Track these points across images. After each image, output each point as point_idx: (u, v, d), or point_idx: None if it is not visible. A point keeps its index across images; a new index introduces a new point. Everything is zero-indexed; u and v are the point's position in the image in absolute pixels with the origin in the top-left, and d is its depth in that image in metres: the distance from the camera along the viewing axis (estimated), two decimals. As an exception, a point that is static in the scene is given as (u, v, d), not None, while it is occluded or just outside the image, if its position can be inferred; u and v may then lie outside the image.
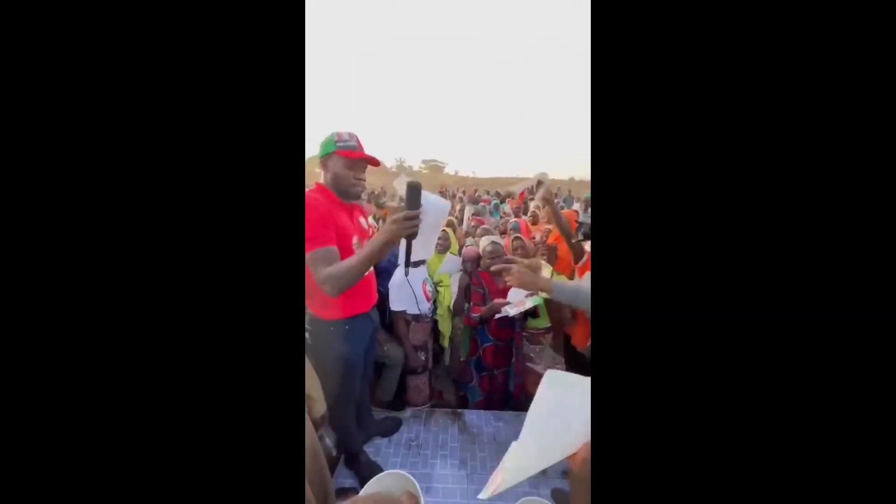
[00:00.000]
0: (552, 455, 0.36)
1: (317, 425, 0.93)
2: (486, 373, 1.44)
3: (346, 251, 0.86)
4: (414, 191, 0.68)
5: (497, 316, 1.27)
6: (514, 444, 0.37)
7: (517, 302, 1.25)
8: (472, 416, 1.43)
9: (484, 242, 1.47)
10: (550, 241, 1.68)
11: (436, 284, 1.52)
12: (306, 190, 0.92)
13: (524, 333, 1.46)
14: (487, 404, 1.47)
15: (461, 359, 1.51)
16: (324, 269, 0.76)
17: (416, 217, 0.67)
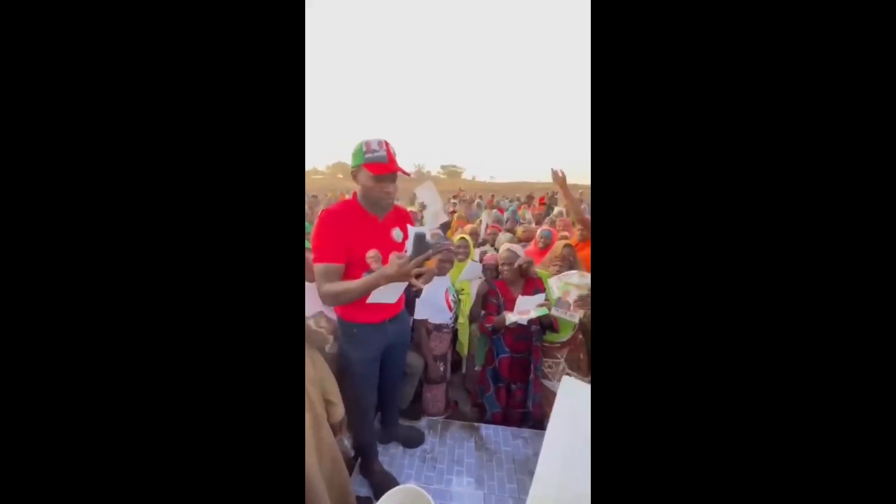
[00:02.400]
0: (575, 479, 0.33)
1: (335, 430, 0.93)
2: (502, 384, 1.39)
3: (358, 264, 0.88)
4: (420, 240, 0.74)
5: (508, 323, 1.23)
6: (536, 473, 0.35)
7: (522, 311, 1.20)
8: (490, 431, 1.37)
9: (501, 250, 1.43)
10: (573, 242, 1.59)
11: (457, 293, 1.49)
12: (333, 204, 0.97)
13: (543, 346, 1.38)
14: (504, 418, 1.41)
15: (476, 368, 1.47)
16: (323, 284, 0.84)
17: (423, 264, 0.73)
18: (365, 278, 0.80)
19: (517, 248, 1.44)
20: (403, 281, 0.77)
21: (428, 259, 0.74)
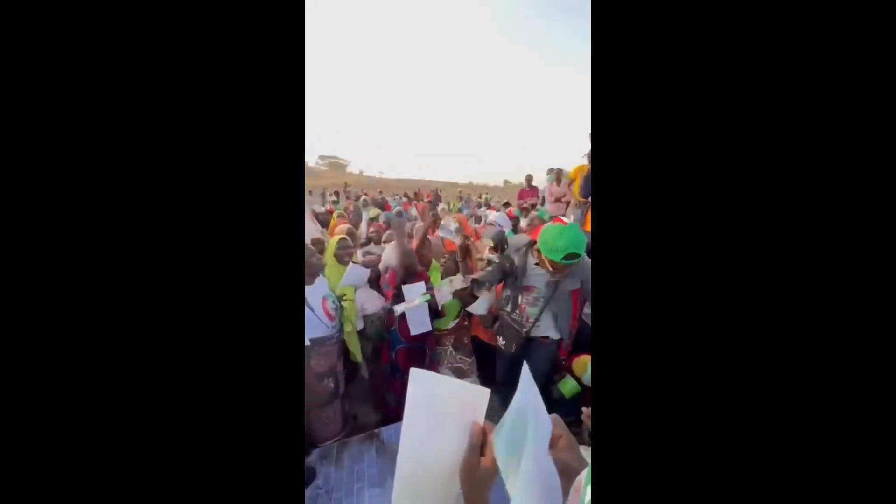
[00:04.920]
0: (436, 468, 0.33)
1: None
2: (398, 376, 1.41)
3: None
4: None
5: (397, 314, 1.27)
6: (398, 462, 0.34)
7: (408, 300, 1.28)
8: (391, 430, 1.35)
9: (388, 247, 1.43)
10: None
11: (339, 299, 1.35)
12: None
13: (434, 334, 1.49)
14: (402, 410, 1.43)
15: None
16: None
17: None
18: None
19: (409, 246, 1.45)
20: None
21: None
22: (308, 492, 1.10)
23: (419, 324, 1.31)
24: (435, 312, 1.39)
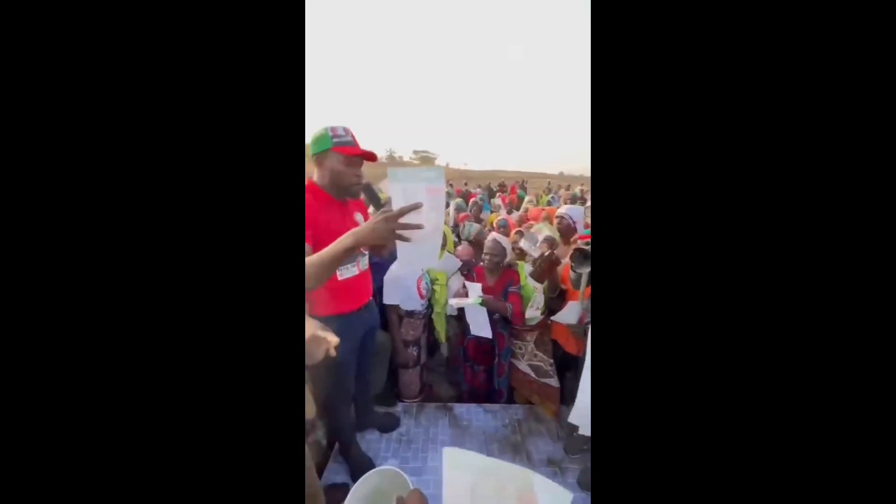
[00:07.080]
0: None
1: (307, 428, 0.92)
2: (467, 363, 1.49)
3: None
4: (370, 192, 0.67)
5: (454, 305, 1.30)
6: None
7: (461, 298, 1.30)
8: (462, 409, 1.46)
9: (488, 239, 1.47)
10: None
11: (432, 282, 1.52)
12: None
13: (513, 329, 1.49)
14: (471, 397, 1.51)
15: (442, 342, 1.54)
16: None
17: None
18: (331, 245, 0.60)
19: (503, 239, 1.45)
20: (380, 242, 0.55)
21: (415, 209, 0.51)
22: (394, 434, 1.33)
23: (478, 326, 1.31)
24: (506, 319, 1.35)
